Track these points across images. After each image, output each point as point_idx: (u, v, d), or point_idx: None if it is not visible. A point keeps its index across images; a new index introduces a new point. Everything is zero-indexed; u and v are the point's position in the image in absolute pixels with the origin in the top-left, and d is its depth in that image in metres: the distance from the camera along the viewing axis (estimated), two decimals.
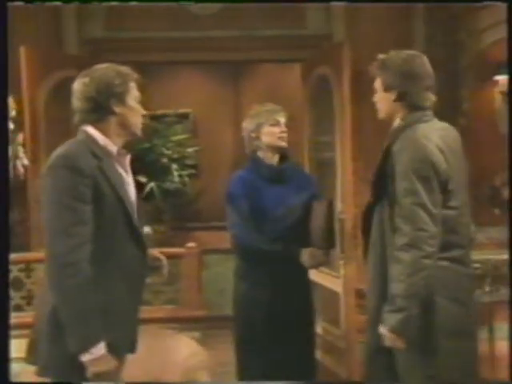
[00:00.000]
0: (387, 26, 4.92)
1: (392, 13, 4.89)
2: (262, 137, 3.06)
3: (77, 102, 2.24)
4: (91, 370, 2.09)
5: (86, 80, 2.23)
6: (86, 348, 2.07)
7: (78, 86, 2.24)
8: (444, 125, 2.58)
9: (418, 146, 2.42)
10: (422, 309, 2.38)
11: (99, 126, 2.23)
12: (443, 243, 2.41)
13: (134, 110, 2.27)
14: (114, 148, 2.25)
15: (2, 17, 2.45)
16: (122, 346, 2.24)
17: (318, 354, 3.83)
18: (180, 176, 5.49)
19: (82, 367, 2.10)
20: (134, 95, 2.27)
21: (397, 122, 2.54)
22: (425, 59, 2.56)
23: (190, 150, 5.79)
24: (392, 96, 2.52)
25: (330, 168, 4.64)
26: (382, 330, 2.40)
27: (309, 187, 3.15)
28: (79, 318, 2.08)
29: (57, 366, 2.16)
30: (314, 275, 3.52)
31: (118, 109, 2.23)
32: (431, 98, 2.54)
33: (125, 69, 2.28)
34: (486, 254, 3.80)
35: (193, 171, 5.79)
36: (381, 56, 2.58)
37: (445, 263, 2.44)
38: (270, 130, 3.05)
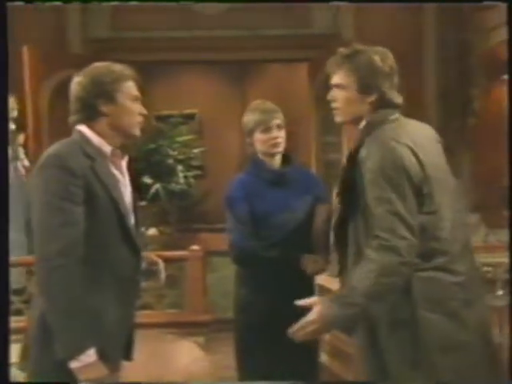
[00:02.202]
0: (396, 25, 4.85)
1: (401, 12, 4.82)
2: (256, 143, 2.99)
3: (70, 102, 2.18)
4: (81, 378, 2.02)
5: (78, 79, 2.17)
6: (74, 355, 2.00)
7: (71, 85, 2.19)
8: (414, 122, 2.40)
9: (386, 150, 2.22)
10: (407, 324, 2.25)
11: (93, 126, 2.17)
12: (423, 252, 2.24)
13: (126, 109, 2.17)
14: (108, 148, 2.17)
15: (1, 17, 2.40)
16: (114, 353, 2.17)
17: (326, 359, 3.76)
18: (185, 177, 5.45)
19: (71, 374, 2.02)
20: (128, 94, 2.17)
21: (362, 124, 2.33)
22: (391, 55, 2.37)
23: (195, 150, 5.75)
24: (370, 97, 2.31)
25: (337, 169, 4.58)
26: (314, 313, 2.24)
27: (314, 190, 3.07)
28: (68, 324, 2.01)
29: (46, 373, 2.09)
30: (320, 279, 3.45)
31: (106, 108, 2.14)
32: (399, 96, 2.36)
33: (119, 67, 2.19)
34: (497, 257, 3.72)
35: (198, 172, 5.75)
36: (344, 50, 2.35)
37: (426, 274, 2.27)
38: (261, 138, 2.96)
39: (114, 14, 5.19)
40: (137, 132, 2.21)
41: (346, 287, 2.25)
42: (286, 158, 3.04)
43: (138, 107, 2.20)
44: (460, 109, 4.60)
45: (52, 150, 2.10)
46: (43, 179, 2.06)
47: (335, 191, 2.38)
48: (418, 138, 2.32)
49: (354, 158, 2.28)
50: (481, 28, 4.71)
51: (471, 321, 2.32)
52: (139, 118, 2.21)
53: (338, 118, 2.38)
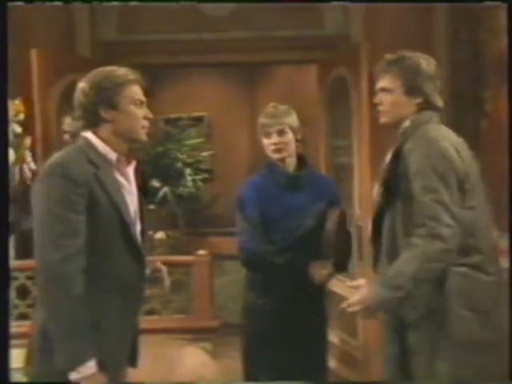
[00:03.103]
0: (407, 26, 4.78)
1: (412, 12, 4.75)
2: (265, 148, 2.98)
3: (74, 108, 2.15)
4: None
5: (81, 85, 2.14)
6: (73, 366, 1.97)
7: (76, 91, 2.16)
8: (447, 128, 2.54)
9: (432, 143, 2.37)
10: (437, 315, 2.34)
11: (97, 132, 2.13)
12: (461, 247, 2.33)
13: (129, 115, 2.12)
14: (113, 156, 2.13)
15: (1, 17, 2.38)
16: (117, 362, 2.14)
17: (335, 365, 3.71)
18: (194, 181, 5.41)
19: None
20: (131, 99, 2.12)
21: (406, 123, 2.49)
22: (434, 60, 2.55)
23: (204, 154, 5.72)
24: (417, 99, 2.47)
25: (347, 173, 4.52)
26: (361, 294, 2.33)
27: (327, 195, 3.02)
28: (68, 334, 1.98)
29: (47, 380, 2.06)
30: (330, 284, 3.39)
31: (108, 115, 2.11)
32: (441, 100, 2.53)
33: (122, 71, 2.13)
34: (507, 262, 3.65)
35: (207, 176, 5.71)
36: (390, 56, 2.52)
37: (463, 269, 2.36)
38: (264, 143, 2.97)
39: (123, 16, 5.16)
40: (142, 137, 2.17)
41: (392, 271, 2.33)
42: (301, 162, 3.00)
43: (142, 111, 2.15)
44: (472, 110, 4.53)
45: (55, 158, 2.08)
46: (45, 188, 2.04)
47: (378, 185, 2.51)
48: (457, 139, 2.47)
49: (398, 152, 2.41)
50: (494, 27, 4.63)
51: (498, 321, 2.39)
52: (144, 123, 2.16)
53: (383, 120, 2.55)
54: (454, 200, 2.32)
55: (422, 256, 2.29)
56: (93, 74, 2.14)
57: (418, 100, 2.47)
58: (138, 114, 2.14)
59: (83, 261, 2.01)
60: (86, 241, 2.02)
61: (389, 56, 2.52)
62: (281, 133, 2.93)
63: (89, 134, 2.13)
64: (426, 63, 2.50)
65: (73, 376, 1.97)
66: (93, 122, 2.12)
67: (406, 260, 2.31)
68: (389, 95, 2.50)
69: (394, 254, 2.39)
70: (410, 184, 2.35)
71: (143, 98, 2.17)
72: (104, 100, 2.09)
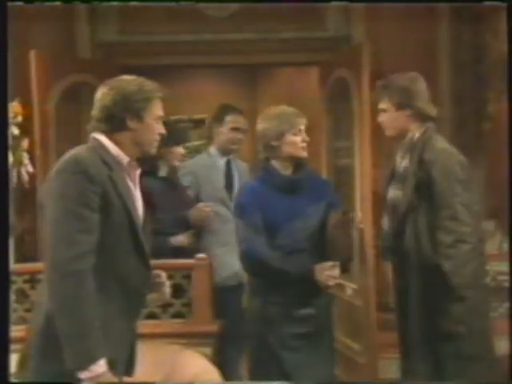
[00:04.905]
0: (409, 28, 4.76)
1: (414, 13, 4.72)
2: (284, 146, 2.90)
3: (94, 110, 2.20)
4: None
5: (106, 89, 2.19)
6: (85, 365, 1.96)
7: (97, 94, 2.21)
8: None
9: (451, 154, 2.84)
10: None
11: (113, 136, 2.18)
12: None
13: (150, 128, 2.20)
14: (125, 159, 2.18)
15: (1, 17, 2.36)
16: (118, 367, 2.12)
17: (337, 370, 3.67)
18: None
19: None
20: (154, 113, 2.21)
21: (415, 134, 2.95)
22: (422, 78, 3.03)
23: None
24: (406, 112, 2.96)
25: (348, 175, 4.49)
26: None
27: (327, 196, 2.99)
28: (79, 333, 1.97)
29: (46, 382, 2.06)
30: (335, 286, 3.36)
31: (132, 124, 2.17)
32: (433, 110, 2.98)
33: (150, 86, 2.22)
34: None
35: None
36: (381, 81, 3.05)
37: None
38: (292, 140, 2.89)
39: (123, 18, 5.13)
40: (153, 151, 2.25)
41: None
42: (298, 164, 2.97)
43: (159, 127, 2.23)
44: (475, 112, 4.51)
45: (71, 155, 2.09)
46: (61, 184, 2.04)
47: (395, 189, 2.95)
48: None
49: (419, 161, 2.84)
50: (496, 30, 4.61)
51: None
52: (157, 137, 2.24)
53: (387, 133, 3.07)
54: (470, 201, 2.78)
55: (458, 263, 2.72)
56: (122, 83, 2.20)
57: (408, 112, 2.96)
58: (156, 129, 2.22)
59: (93, 259, 2.02)
60: (97, 239, 2.04)
61: (380, 82, 3.08)
62: (304, 130, 2.93)
63: (100, 136, 2.17)
64: (413, 79, 3.00)
65: (83, 375, 1.96)
66: (115, 127, 2.17)
67: (450, 274, 2.76)
68: (385, 114, 3.04)
69: (418, 252, 2.84)
70: (434, 189, 2.76)
71: (162, 114, 2.26)
72: (132, 111, 2.16)
